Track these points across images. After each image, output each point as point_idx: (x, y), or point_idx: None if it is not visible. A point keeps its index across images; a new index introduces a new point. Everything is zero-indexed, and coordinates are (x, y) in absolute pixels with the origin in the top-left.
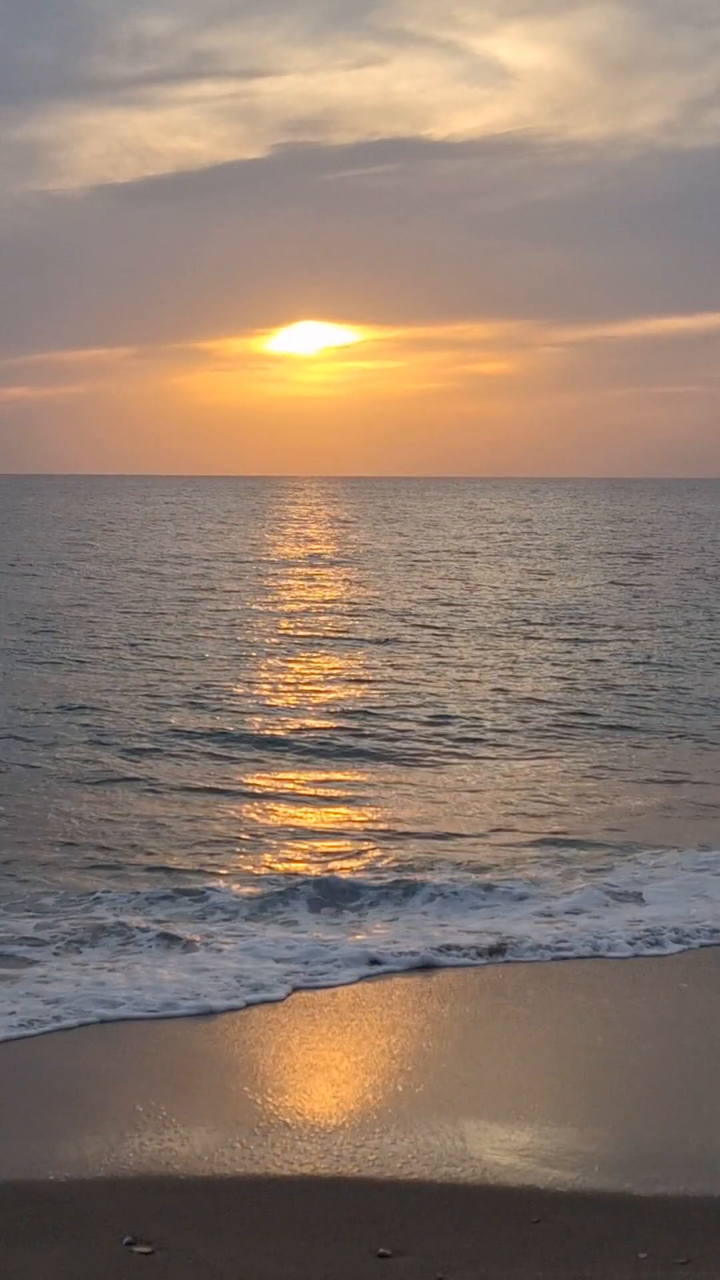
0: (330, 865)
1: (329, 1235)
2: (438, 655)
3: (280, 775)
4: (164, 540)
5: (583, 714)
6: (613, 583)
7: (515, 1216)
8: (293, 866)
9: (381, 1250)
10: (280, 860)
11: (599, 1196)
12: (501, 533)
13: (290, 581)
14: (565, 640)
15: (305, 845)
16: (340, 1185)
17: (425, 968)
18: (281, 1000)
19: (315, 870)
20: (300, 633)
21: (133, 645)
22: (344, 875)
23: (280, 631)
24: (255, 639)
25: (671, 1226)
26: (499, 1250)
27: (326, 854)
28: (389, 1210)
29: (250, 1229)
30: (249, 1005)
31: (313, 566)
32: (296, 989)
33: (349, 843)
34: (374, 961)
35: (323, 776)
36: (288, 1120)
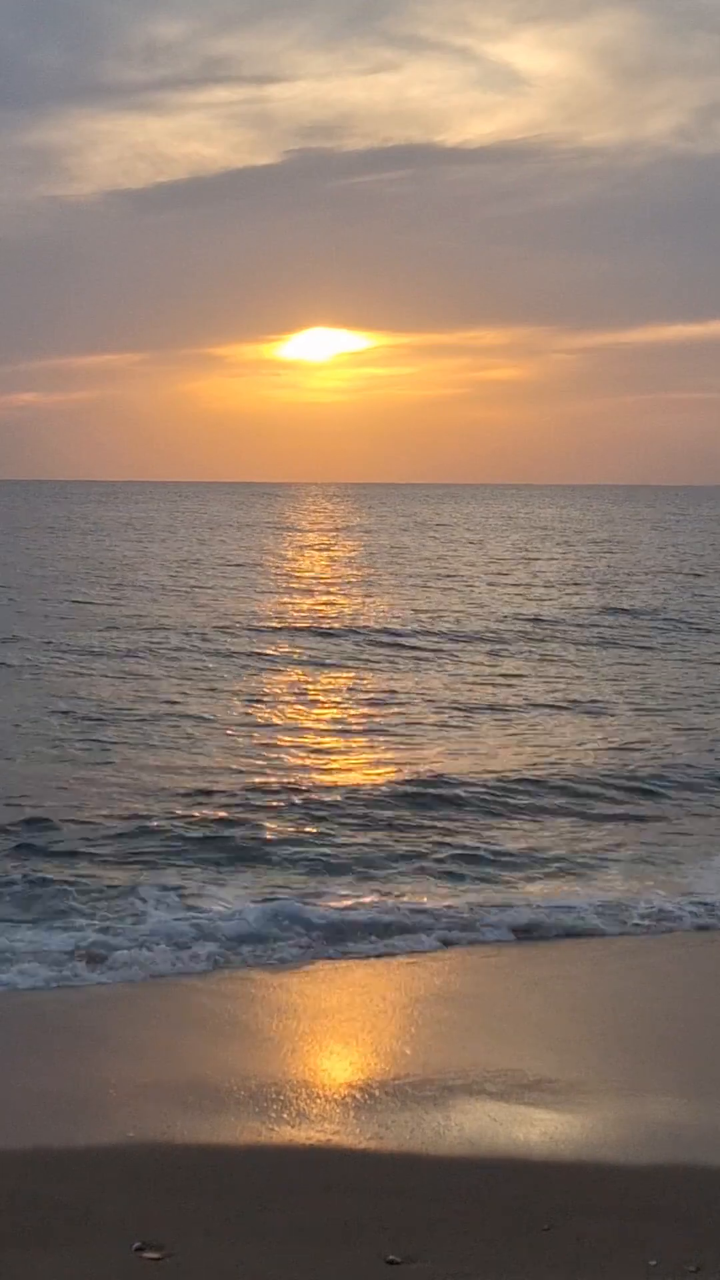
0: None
1: (339, 1241)
2: None
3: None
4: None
5: None
6: None
7: (526, 1223)
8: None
9: (391, 1257)
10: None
11: (610, 1203)
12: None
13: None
14: None
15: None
16: (351, 1190)
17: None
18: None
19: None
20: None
21: None
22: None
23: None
24: None
25: (683, 1233)
26: (509, 1257)
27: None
28: (399, 1216)
29: (260, 1234)
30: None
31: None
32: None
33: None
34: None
35: None
36: (298, 1124)
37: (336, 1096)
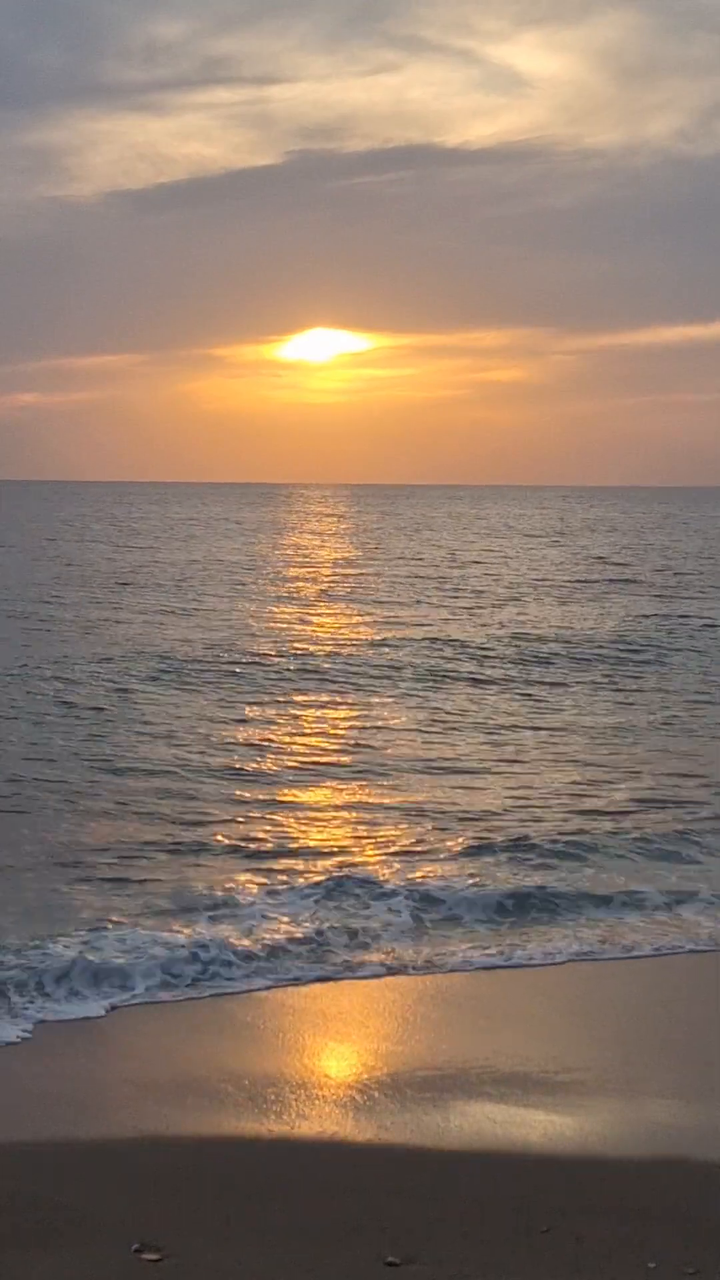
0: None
1: (338, 1242)
2: None
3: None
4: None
5: None
6: None
7: (525, 1224)
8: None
9: (390, 1259)
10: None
11: (609, 1204)
12: None
13: None
14: None
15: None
16: (350, 1192)
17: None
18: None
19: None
20: None
21: None
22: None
23: None
24: None
25: (682, 1235)
26: (508, 1259)
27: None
28: (398, 1218)
29: (259, 1235)
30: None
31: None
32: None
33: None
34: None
35: None
36: (298, 1125)
37: (335, 1098)
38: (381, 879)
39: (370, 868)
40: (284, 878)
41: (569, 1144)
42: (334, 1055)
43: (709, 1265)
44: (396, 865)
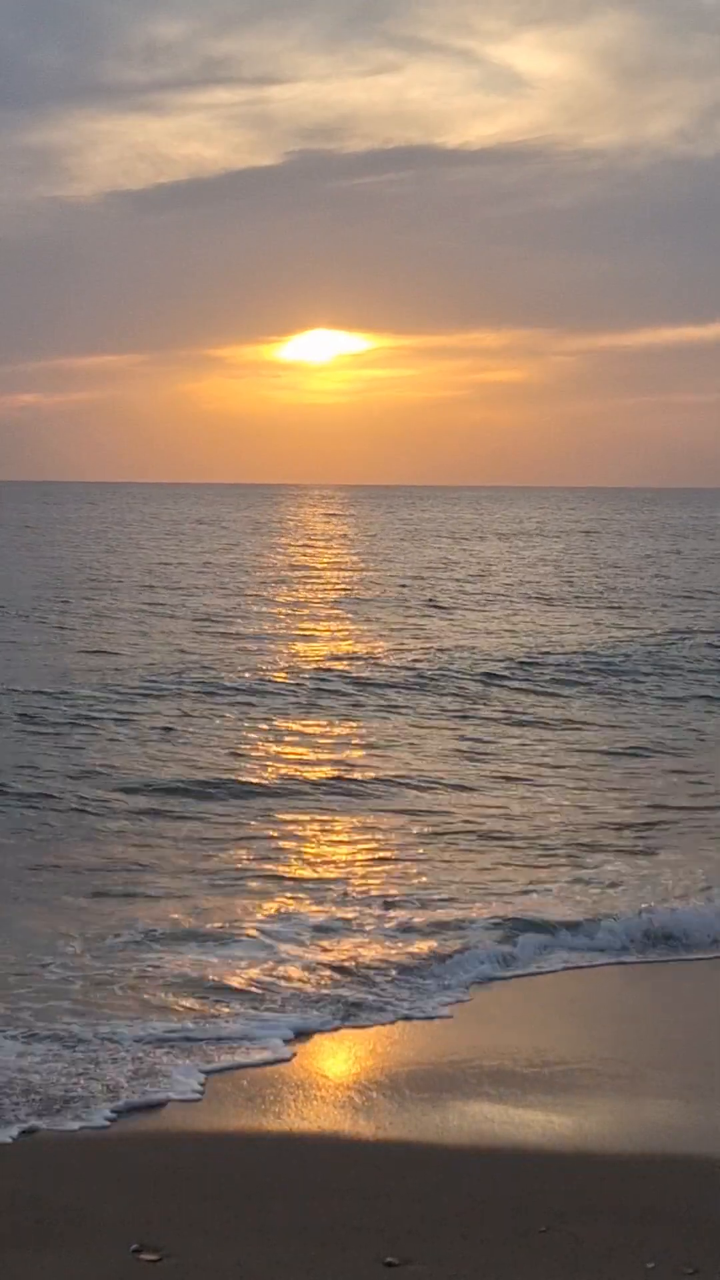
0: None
1: (337, 1243)
2: None
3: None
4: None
5: None
6: None
7: (523, 1225)
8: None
9: (389, 1259)
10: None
11: (608, 1205)
12: None
13: None
14: None
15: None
16: (348, 1193)
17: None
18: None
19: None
20: None
21: None
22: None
23: None
24: None
25: (681, 1235)
26: (506, 1260)
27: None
28: (397, 1218)
29: (257, 1236)
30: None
31: None
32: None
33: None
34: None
35: None
36: (295, 1125)
37: (334, 1098)
38: (414, 901)
39: (393, 886)
40: (292, 902)
41: (568, 1144)
42: (334, 1055)
43: (709, 1265)
44: (434, 894)
